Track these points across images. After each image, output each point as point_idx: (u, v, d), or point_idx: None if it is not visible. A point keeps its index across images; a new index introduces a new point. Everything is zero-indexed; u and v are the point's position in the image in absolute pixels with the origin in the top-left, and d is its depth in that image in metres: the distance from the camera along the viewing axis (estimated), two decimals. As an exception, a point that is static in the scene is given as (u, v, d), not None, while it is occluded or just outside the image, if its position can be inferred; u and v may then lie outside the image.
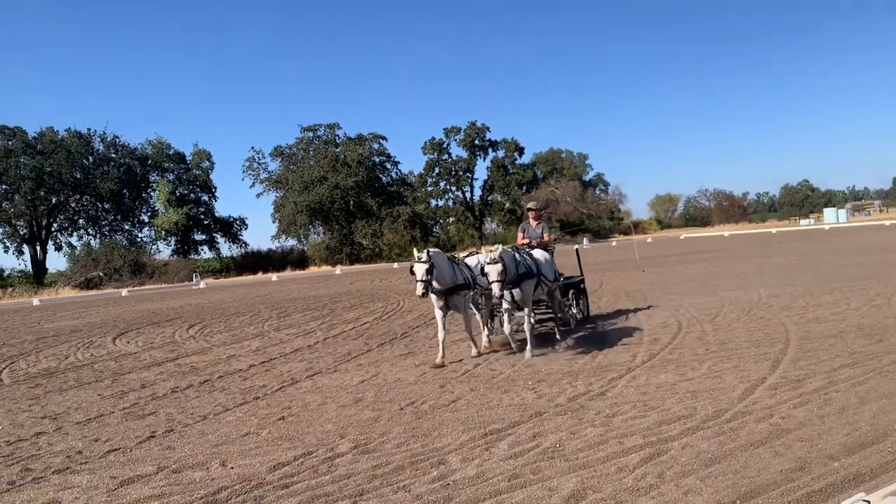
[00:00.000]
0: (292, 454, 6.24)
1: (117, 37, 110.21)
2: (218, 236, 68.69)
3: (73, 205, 61.41)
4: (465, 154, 77.83)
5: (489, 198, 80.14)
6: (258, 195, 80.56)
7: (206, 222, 67.94)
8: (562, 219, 78.29)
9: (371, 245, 67.85)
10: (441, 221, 79.83)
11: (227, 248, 68.80)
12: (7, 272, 58.10)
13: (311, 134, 70.38)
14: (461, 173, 78.06)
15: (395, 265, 53.31)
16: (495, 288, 9.37)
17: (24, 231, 59.30)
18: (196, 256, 65.60)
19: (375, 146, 70.59)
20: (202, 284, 45.55)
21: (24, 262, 59.63)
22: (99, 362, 13.19)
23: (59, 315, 25.92)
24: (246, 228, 69.95)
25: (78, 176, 59.39)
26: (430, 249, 9.89)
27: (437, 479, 5.30)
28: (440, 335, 10.42)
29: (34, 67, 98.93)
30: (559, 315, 11.83)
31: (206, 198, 68.41)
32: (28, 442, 7.52)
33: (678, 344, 10.26)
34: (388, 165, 72.22)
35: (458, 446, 6.10)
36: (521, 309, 10.82)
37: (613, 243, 66.00)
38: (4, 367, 13.31)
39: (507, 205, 78.68)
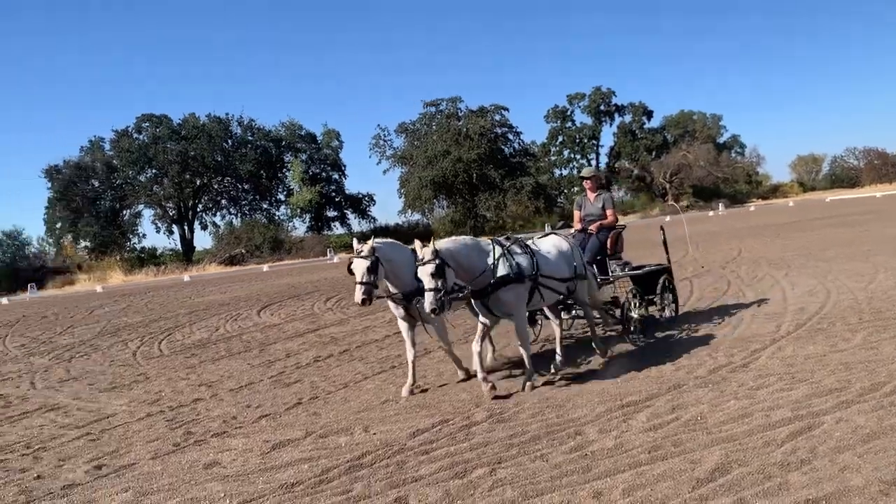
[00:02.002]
0: (430, 421, 6.42)
1: (246, 26, 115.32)
2: (348, 212, 71.12)
3: (215, 186, 65.49)
4: (589, 121, 76.14)
5: (616, 165, 78.09)
6: (384, 171, 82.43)
7: (337, 199, 70.43)
8: (695, 184, 75.09)
9: (494, 217, 67.90)
10: (565, 191, 78.70)
11: (357, 224, 71.12)
12: (159, 251, 63.04)
13: (433, 109, 71.02)
14: (586, 141, 76.48)
15: (572, 230, 53.15)
16: (427, 300, 6.48)
17: (173, 212, 63.89)
18: (329, 232, 68.19)
19: (497, 118, 70.30)
20: (336, 259, 47.37)
21: (174, 241, 64.57)
22: (246, 333, 14.08)
23: (208, 290, 27.78)
24: (374, 204, 72.01)
25: (219, 159, 63.13)
26: (376, 240, 7.38)
27: (575, 450, 5.28)
28: (409, 354, 7.85)
29: (173, 60, 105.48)
30: (595, 320, 8.83)
31: (336, 176, 70.90)
32: (188, 407, 8.15)
33: (827, 313, 9.63)
34: (511, 136, 71.80)
35: (594, 417, 6.05)
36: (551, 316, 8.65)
37: (751, 208, 62.65)
38: (163, 339, 14.46)
39: (636, 171, 76.38)
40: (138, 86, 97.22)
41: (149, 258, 59.41)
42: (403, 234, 65.71)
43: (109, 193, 61.75)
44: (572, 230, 9.83)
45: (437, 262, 6.48)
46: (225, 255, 53.79)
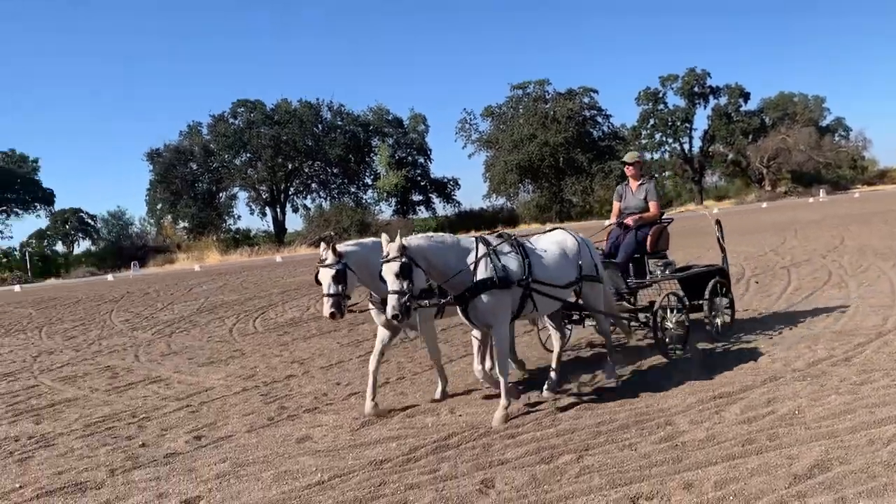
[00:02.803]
0: (516, 406, 6.42)
1: (335, 12, 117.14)
2: (433, 196, 71.60)
3: (306, 170, 67.24)
4: (682, 103, 73.65)
5: (710, 149, 75.41)
6: (470, 156, 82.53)
7: (422, 183, 71.01)
8: (794, 169, 71.69)
9: (581, 202, 66.95)
10: (657, 176, 76.69)
11: (441, 208, 71.56)
12: (253, 232, 65.33)
13: (520, 92, 70.41)
14: (678, 124, 74.09)
15: (606, 222, 52.15)
16: (389, 303, 5.64)
17: (266, 195, 65.97)
18: (414, 216, 68.93)
19: (586, 100, 69.10)
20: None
21: (267, 223, 66.71)
22: (335, 314, 14.43)
23: (299, 271, 28.59)
24: (459, 188, 72.19)
25: (310, 143, 64.71)
26: (348, 243, 6.59)
27: (665, 440, 5.19)
28: (371, 365, 6.88)
29: (266, 49, 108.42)
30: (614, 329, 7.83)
31: (422, 160, 71.43)
32: (281, 383, 8.45)
33: (941, 307, 9.06)
34: (599, 119, 70.49)
35: (684, 408, 5.91)
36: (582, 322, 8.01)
37: (856, 195, 59.35)
38: (257, 317, 15.00)
39: (731, 156, 73.54)
40: (234, 71, 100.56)
41: (243, 239, 61.70)
42: (488, 218, 65.74)
43: (207, 176, 64.29)
44: (607, 223, 8.98)
45: (402, 260, 5.63)
46: (315, 237, 55.18)
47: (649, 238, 8.33)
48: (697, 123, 75.59)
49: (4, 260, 57.18)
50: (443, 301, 6.27)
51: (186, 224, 62.66)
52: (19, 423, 7.59)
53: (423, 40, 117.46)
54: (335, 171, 67.77)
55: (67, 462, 6.07)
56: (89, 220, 63.36)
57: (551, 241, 6.87)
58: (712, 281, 8.61)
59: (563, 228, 7.33)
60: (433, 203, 71.43)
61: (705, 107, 74.32)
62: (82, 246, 63.49)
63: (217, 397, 8.00)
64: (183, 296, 21.40)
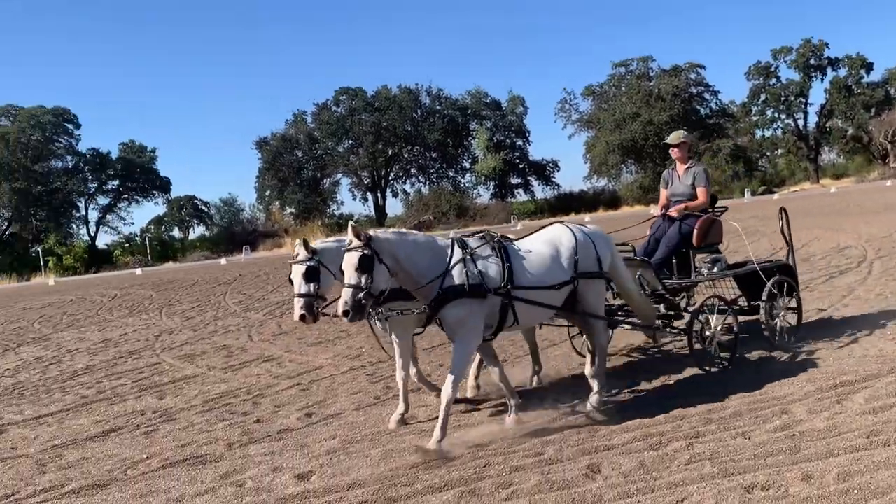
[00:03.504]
0: (616, 390, 6.32)
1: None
2: (532, 179, 71.06)
3: (405, 155, 68.21)
4: (797, 76, 69.66)
5: (827, 125, 71.11)
6: (570, 136, 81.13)
7: (520, 166, 70.55)
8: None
9: (687, 182, 64.72)
10: (768, 154, 73.11)
11: (540, 191, 70.92)
12: (355, 217, 66.89)
13: (622, 70, 68.55)
14: (792, 99, 70.19)
15: (652, 211, 50.26)
16: (342, 298, 5.08)
17: (368, 180, 67.42)
18: (512, 199, 68.66)
19: (692, 76, 66.54)
20: (519, 226, 47.61)
21: (369, 208, 68.21)
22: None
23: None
24: (558, 170, 71.31)
25: (409, 129, 65.54)
26: (325, 240, 6.07)
27: (781, 429, 4.97)
28: (399, 376, 6.32)
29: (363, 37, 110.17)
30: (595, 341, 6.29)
31: (520, 142, 70.92)
32: (386, 364, 8.58)
33: None
34: (707, 96, 67.67)
35: (802, 396, 5.64)
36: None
37: None
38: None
39: (850, 131, 69.08)
40: (338, 60, 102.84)
41: (346, 223, 63.16)
42: (588, 201, 64.69)
43: (311, 163, 66.27)
44: (652, 210, 8.17)
45: (364, 250, 5.04)
46: (414, 222, 55.98)
47: (696, 230, 7.22)
48: (813, 98, 71.30)
49: (127, 245, 61.31)
50: (415, 311, 5.67)
51: (293, 210, 64.88)
52: (144, 398, 8.12)
53: (519, 24, 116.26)
54: (434, 155, 68.33)
55: (188, 435, 6.44)
56: (203, 207, 66.76)
57: (542, 240, 6.02)
58: (773, 280, 7.38)
59: (562, 222, 6.38)
60: (532, 186, 70.93)
61: (822, 80, 70.01)
62: (197, 231, 67.21)
63: (326, 376, 8.28)
64: (291, 279, 22.13)
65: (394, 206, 68.23)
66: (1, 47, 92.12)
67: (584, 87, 70.42)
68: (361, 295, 5.01)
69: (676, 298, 7.30)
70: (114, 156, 63.32)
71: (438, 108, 68.01)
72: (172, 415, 7.19)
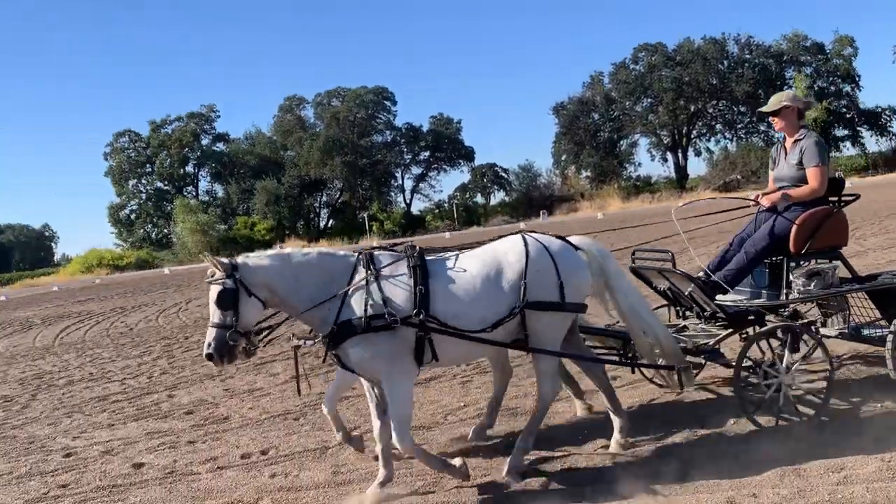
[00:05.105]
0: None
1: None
2: (862, 130, 62.29)
3: (709, 111, 64.07)
4: None
5: None
6: (912, 78, 69.41)
7: (848, 116, 62.20)
8: None
9: None
10: None
11: (873, 143, 61.94)
12: (654, 179, 64.80)
13: None
14: None
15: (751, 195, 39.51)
16: (207, 338, 4.34)
17: (668, 140, 64.59)
18: (836, 154, 60.91)
19: None
20: (848, 184, 42.13)
21: (668, 169, 65.53)
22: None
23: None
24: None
25: (714, 82, 61.27)
26: (258, 254, 4.55)
27: None
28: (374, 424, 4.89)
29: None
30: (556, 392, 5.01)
31: (848, 89, 62.42)
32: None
33: None
34: None
35: None
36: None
37: None
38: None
39: None
40: (635, 16, 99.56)
41: (644, 186, 61.59)
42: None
43: (608, 125, 65.35)
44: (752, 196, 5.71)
45: (224, 283, 4.27)
46: (719, 182, 52.43)
47: (794, 229, 5.23)
48: None
49: (437, 211, 66.42)
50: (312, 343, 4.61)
51: (588, 173, 64.74)
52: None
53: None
54: (742, 109, 63.16)
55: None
56: (503, 174, 69.41)
57: (480, 258, 4.72)
58: None
59: (524, 233, 4.94)
60: (862, 137, 62.21)
61: None
62: (497, 197, 70.17)
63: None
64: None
65: (696, 167, 64.85)
66: (333, 37, 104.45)
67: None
68: (228, 334, 4.25)
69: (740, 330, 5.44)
70: (425, 129, 68.58)
71: (748, 57, 62.57)
72: (485, 368, 7.38)
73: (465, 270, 4.59)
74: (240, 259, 4.41)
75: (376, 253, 4.62)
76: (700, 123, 64.87)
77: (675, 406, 5.77)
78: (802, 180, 5.35)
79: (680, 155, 64.42)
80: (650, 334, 4.89)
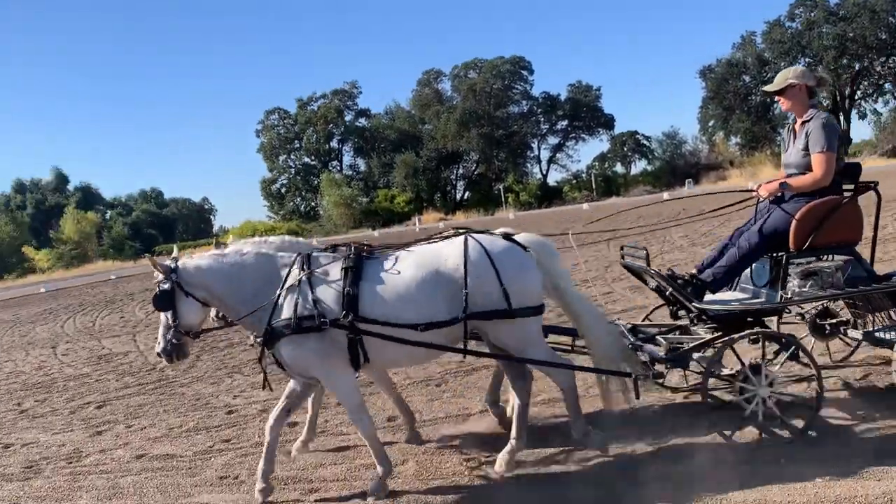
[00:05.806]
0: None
1: None
2: None
3: (877, 69, 58.35)
4: None
5: None
6: None
7: None
8: None
9: None
10: None
11: None
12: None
13: None
14: None
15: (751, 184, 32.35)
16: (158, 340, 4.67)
17: (828, 101, 59.62)
18: None
19: None
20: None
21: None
22: None
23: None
24: None
25: (883, 37, 55.72)
26: (207, 253, 4.79)
27: None
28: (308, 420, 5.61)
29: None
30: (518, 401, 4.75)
31: None
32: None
33: None
34: None
35: None
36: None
37: None
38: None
39: None
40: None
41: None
42: None
43: (760, 88, 61.20)
44: (751, 185, 5.14)
45: (160, 285, 4.52)
46: (886, 147, 48.00)
47: (794, 224, 4.64)
48: None
49: (574, 181, 65.25)
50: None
51: (739, 140, 61.21)
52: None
53: None
54: (917, 66, 57.24)
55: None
56: (645, 142, 66.99)
57: (418, 261, 4.53)
58: None
59: (470, 234, 4.63)
60: None
61: None
62: (639, 166, 67.92)
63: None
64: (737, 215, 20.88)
65: (860, 131, 59.58)
66: (471, 9, 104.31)
67: None
68: (171, 335, 4.57)
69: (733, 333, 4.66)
70: (562, 97, 67.24)
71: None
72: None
73: (399, 273, 4.51)
74: (180, 261, 4.61)
75: (314, 254, 4.70)
76: (866, 83, 59.37)
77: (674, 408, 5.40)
78: (809, 167, 4.77)
79: (842, 117, 59.38)
80: (591, 337, 4.76)
